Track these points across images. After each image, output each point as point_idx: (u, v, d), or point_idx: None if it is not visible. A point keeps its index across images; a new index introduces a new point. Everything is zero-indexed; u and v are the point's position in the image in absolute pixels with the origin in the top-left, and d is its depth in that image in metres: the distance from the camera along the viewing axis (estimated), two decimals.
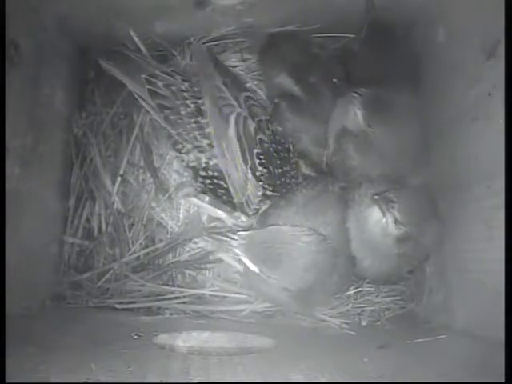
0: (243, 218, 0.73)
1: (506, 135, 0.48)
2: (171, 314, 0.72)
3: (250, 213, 0.68)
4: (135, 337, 0.57)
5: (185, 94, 0.67)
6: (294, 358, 0.52)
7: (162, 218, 0.77)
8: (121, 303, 0.72)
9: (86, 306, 0.72)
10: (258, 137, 0.66)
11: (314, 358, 0.52)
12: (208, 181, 0.68)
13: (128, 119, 0.78)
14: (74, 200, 0.76)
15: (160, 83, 0.66)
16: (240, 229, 0.73)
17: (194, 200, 0.75)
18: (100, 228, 0.76)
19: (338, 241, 0.60)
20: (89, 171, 0.77)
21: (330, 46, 0.75)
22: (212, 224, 0.76)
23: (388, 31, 0.69)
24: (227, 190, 0.67)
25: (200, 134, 0.66)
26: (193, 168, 0.69)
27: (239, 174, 0.65)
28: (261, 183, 0.66)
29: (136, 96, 0.69)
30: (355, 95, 0.62)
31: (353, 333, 0.66)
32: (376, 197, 0.58)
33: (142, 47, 0.75)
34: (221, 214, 0.74)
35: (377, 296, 0.74)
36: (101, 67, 0.77)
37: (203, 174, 0.68)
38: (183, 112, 0.67)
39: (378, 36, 0.68)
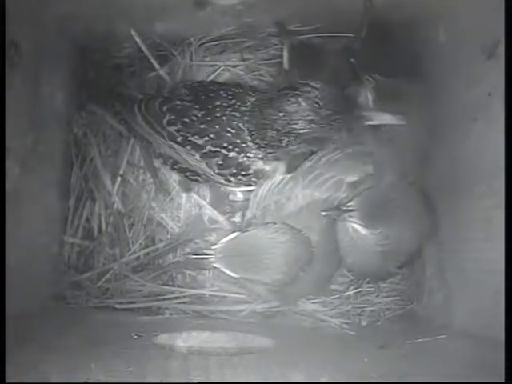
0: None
1: (506, 135, 0.48)
2: (171, 314, 0.72)
3: (222, 180, 0.65)
4: (135, 337, 0.57)
5: None
6: (294, 358, 0.52)
7: (162, 218, 0.77)
8: (121, 303, 0.72)
9: (86, 305, 0.72)
10: (165, 107, 0.64)
11: (314, 358, 0.52)
12: (175, 171, 0.68)
13: None
14: (74, 200, 0.76)
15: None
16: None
17: (195, 196, 0.76)
18: (100, 228, 0.76)
19: (315, 232, 0.60)
20: (89, 171, 0.77)
21: (330, 45, 0.75)
22: (213, 226, 0.76)
23: (388, 30, 0.69)
24: (187, 169, 0.66)
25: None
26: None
27: (168, 150, 0.65)
28: (186, 143, 0.62)
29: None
30: (369, 78, 0.62)
31: (353, 333, 0.66)
32: (326, 213, 0.58)
33: (144, 47, 0.75)
34: (218, 216, 0.74)
35: (377, 296, 0.73)
36: (100, 67, 0.78)
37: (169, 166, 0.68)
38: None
39: (378, 35, 0.68)
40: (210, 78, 0.78)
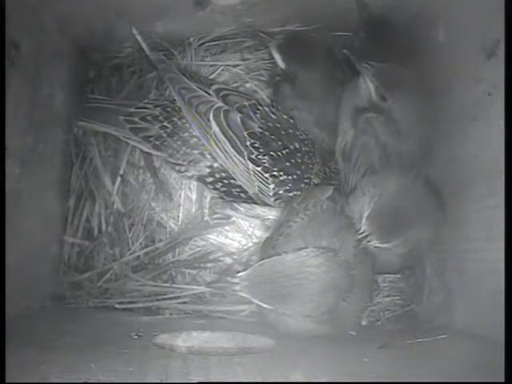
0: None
1: (506, 135, 0.48)
2: (171, 314, 0.72)
3: (271, 202, 0.67)
4: (135, 337, 0.57)
5: (160, 118, 0.68)
6: (294, 357, 0.52)
7: (161, 218, 0.77)
8: (121, 303, 0.72)
9: (86, 306, 0.72)
10: (246, 124, 0.65)
11: (313, 357, 0.52)
12: (219, 184, 0.68)
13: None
14: (74, 200, 0.76)
15: (136, 118, 0.68)
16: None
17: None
18: (100, 228, 0.76)
19: (350, 250, 0.57)
20: (89, 171, 0.77)
21: (330, 44, 0.75)
22: (215, 221, 0.76)
23: (388, 30, 0.69)
24: (240, 185, 0.67)
25: (188, 148, 0.68)
26: (199, 178, 0.69)
27: (240, 168, 0.65)
28: (268, 172, 0.65)
29: (122, 139, 0.72)
30: (366, 66, 0.61)
31: (353, 333, 0.66)
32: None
33: (145, 46, 0.75)
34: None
35: (377, 296, 0.74)
36: (100, 67, 0.78)
37: (210, 179, 0.68)
38: (164, 135, 0.68)
39: (377, 34, 0.68)
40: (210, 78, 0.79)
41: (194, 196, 0.77)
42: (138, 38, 0.74)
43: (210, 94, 0.67)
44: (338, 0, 0.69)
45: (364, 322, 0.72)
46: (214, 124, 0.65)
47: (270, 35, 0.71)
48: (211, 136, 0.65)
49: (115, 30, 0.73)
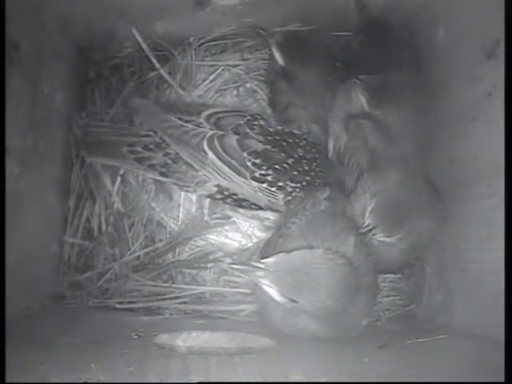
0: None
1: (506, 135, 0.48)
2: (171, 314, 0.72)
3: (283, 209, 0.66)
4: (135, 337, 0.57)
5: (162, 145, 0.67)
6: (294, 357, 0.52)
7: (161, 218, 0.77)
8: (121, 303, 0.72)
9: (86, 306, 0.72)
10: (244, 145, 0.64)
11: (314, 357, 0.52)
12: (228, 199, 0.68)
13: (128, 119, 0.78)
14: (74, 200, 0.76)
15: (139, 148, 0.68)
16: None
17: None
18: (100, 228, 0.76)
19: (359, 258, 0.57)
20: (89, 171, 0.77)
21: (329, 44, 0.75)
22: (215, 221, 0.76)
23: (388, 30, 0.69)
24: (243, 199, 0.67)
25: (194, 171, 0.67)
26: (209, 196, 0.69)
27: (245, 188, 0.64)
28: (274, 186, 0.64)
29: (130, 169, 0.73)
30: (356, 81, 0.62)
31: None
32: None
33: (144, 45, 0.75)
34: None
35: (377, 296, 0.73)
36: (100, 67, 0.78)
37: (220, 196, 0.68)
38: (169, 161, 0.67)
39: (377, 35, 0.68)
40: (210, 78, 0.79)
41: (194, 196, 0.77)
42: (138, 38, 0.74)
43: (200, 123, 0.65)
44: (337, 0, 0.69)
45: (364, 322, 0.72)
46: (210, 153, 0.64)
47: (270, 33, 0.71)
48: (208, 165, 0.64)
49: (115, 30, 0.73)
